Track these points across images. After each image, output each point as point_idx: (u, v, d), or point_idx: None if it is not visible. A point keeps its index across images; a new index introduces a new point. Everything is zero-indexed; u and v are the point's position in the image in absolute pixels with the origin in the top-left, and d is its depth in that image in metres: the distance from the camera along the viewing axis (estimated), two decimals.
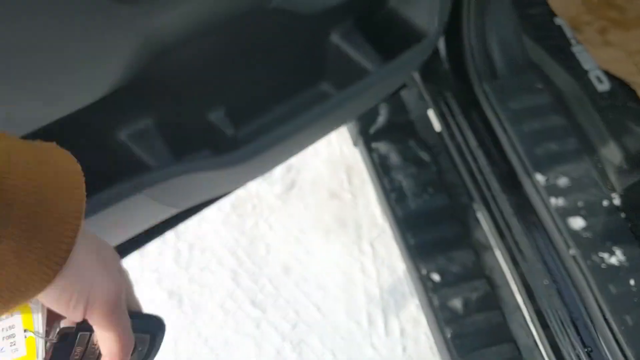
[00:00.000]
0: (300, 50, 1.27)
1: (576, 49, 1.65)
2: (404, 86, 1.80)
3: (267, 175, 2.33)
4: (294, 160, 2.41)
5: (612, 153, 1.45)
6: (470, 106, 1.62)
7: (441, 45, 1.69)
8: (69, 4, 0.73)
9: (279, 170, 2.36)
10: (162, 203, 1.06)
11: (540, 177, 1.43)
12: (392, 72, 1.24)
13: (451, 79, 1.67)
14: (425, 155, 1.80)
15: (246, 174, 1.21)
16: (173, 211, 1.17)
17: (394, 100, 1.92)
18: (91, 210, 0.93)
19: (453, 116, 1.65)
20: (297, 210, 2.27)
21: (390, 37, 1.37)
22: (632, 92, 1.57)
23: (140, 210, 1.05)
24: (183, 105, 1.12)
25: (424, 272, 1.59)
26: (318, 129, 1.27)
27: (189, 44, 0.98)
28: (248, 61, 1.18)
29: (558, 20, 1.71)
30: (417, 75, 1.81)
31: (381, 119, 1.88)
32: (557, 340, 1.38)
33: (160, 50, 0.91)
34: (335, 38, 1.29)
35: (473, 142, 1.58)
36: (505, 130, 1.51)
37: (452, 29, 1.63)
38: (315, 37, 1.27)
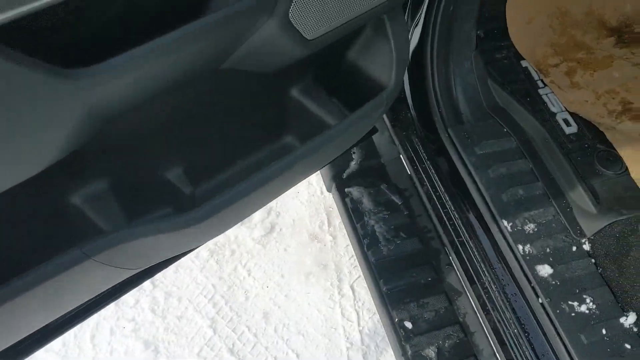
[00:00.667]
0: (260, 106, 1.27)
1: (543, 92, 1.66)
2: (375, 131, 1.81)
3: (246, 219, 2.32)
4: (274, 202, 2.40)
5: (580, 197, 1.44)
6: (437, 152, 1.62)
7: (407, 92, 1.69)
8: (6, 79, 0.73)
9: (258, 214, 2.35)
10: (115, 266, 1.05)
11: (507, 224, 1.42)
12: (352, 125, 1.24)
13: (418, 125, 1.67)
14: (397, 199, 1.79)
15: (206, 232, 1.20)
16: (131, 272, 1.16)
17: (366, 144, 1.92)
18: (37, 280, 0.92)
19: (421, 162, 1.65)
20: (277, 254, 2.26)
21: (351, 89, 1.37)
22: (601, 134, 1.56)
23: (93, 275, 1.04)
24: (139, 165, 1.12)
25: (396, 320, 1.57)
26: (280, 183, 1.26)
27: (140, 108, 0.98)
28: (206, 119, 1.18)
29: (525, 64, 1.72)
30: (387, 121, 1.81)
31: (354, 164, 1.88)
32: None
33: (108, 117, 0.91)
34: (295, 93, 1.29)
35: (441, 188, 1.58)
36: (471, 176, 1.50)
37: (417, 77, 1.64)
38: (275, 93, 1.27)
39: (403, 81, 1.72)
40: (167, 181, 1.16)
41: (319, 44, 1.11)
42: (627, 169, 1.48)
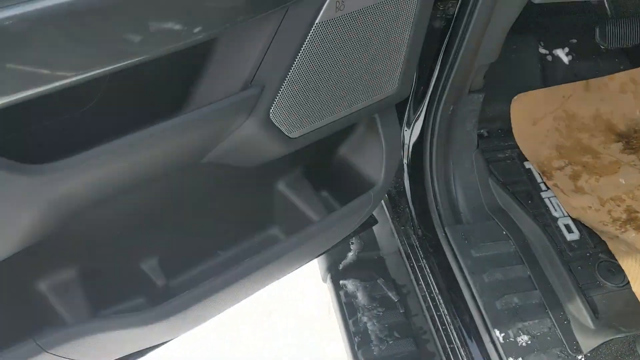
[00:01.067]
0: (244, 197, 1.26)
1: (545, 195, 1.62)
2: (374, 222, 1.78)
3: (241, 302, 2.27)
4: (272, 287, 2.34)
5: (578, 310, 1.37)
6: (433, 251, 1.57)
7: (407, 186, 1.67)
8: None
9: (254, 298, 2.29)
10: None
11: (499, 334, 1.35)
12: (336, 222, 1.22)
13: (416, 221, 1.64)
14: (393, 296, 1.73)
15: (178, 326, 1.16)
16: None
17: (366, 235, 1.89)
18: None
19: (417, 260, 1.60)
20: (272, 343, 2.19)
21: (340, 184, 1.36)
22: (604, 242, 1.50)
23: None
24: (111, 255, 1.10)
25: None
26: (258, 277, 1.23)
27: (111, 200, 0.97)
28: (186, 209, 1.17)
29: (528, 165, 1.69)
30: (388, 213, 1.78)
31: (351, 255, 1.84)
32: None
33: (73, 211, 0.90)
34: (281, 186, 1.28)
35: (435, 289, 1.52)
36: (465, 280, 1.45)
37: (417, 171, 1.62)
38: (259, 185, 1.26)
39: (403, 178, 1.70)
40: (141, 271, 1.14)
41: (303, 142, 1.10)
42: (629, 282, 1.41)
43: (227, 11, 0.83)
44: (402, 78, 1.16)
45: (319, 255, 1.42)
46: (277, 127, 1.02)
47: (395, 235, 1.74)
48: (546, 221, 1.55)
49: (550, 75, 1.85)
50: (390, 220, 1.77)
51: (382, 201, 1.82)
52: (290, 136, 1.06)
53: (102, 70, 0.75)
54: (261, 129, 1.00)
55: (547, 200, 1.61)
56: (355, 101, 1.10)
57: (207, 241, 1.25)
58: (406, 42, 1.09)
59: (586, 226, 1.54)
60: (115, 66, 0.75)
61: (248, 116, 0.97)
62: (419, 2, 1.03)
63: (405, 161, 1.68)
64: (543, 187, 1.64)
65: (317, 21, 0.91)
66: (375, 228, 1.91)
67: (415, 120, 1.62)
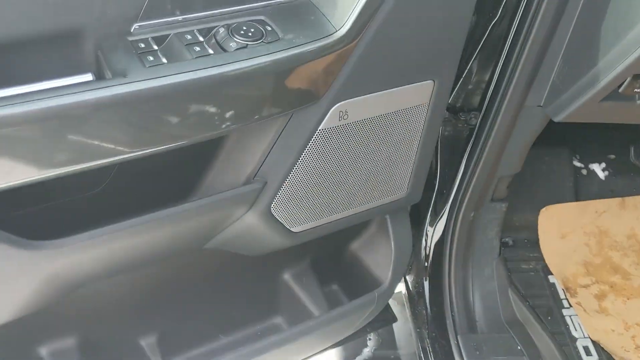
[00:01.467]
0: (249, 285, 1.29)
1: (567, 313, 1.57)
2: (393, 320, 1.76)
3: None
4: None
5: None
6: (445, 358, 1.53)
7: (426, 286, 1.66)
8: None
9: None
10: None
11: None
12: (338, 319, 1.23)
13: (431, 325, 1.61)
14: None
15: None
16: None
17: (385, 332, 1.86)
18: None
19: None
20: None
21: (351, 279, 1.37)
22: None
23: None
24: (111, 328, 1.14)
25: None
26: None
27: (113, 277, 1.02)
28: (189, 292, 1.21)
29: (552, 279, 1.65)
30: (409, 312, 1.76)
31: (367, 351, 1.81)
32: None
33: (72, 285, 0.95)
34: (287, 276, 1.31)
35: None
36: None
37: (436, 274, 1.61)
38: (265, 274, 1.29)
39: (423, 278, 1.69)
40: (139, 347, 1.17)
41: (307, 237, 1.14)
42: None
43: (237, 113, 0.88)
44: (411, 183, 1.18)
45: (324, 350, 1.42)
46: (279, 221, 1.06)
47: (414, 335, 1.71)
48: (564, 341, 1.50)
49: (584, 190, 1.83)
50: (411, 321, 1.75)
51: (404, 299, 1.81)
52: (293, 230, 1.09)
53: (112, 160, 0.81)
54: (261, 222, 1.04)
55: (568, 319, 1.55)
56: (360, 202, 1.13)
57: (208, 324, 1.27)
58: (415, 150, 1.12)
59: (606, 350, 1.47)
60: (124, 157, 0.81)
61: (249, 209, 1.02)
62: (427, 115, 1.07)
63: (426, 262, 1.68)
64: (565, 304, 1.59)
65: (320, 127, 0.96)
66: (395, 326, 1.88)
67: (439, 220, 1.62)
